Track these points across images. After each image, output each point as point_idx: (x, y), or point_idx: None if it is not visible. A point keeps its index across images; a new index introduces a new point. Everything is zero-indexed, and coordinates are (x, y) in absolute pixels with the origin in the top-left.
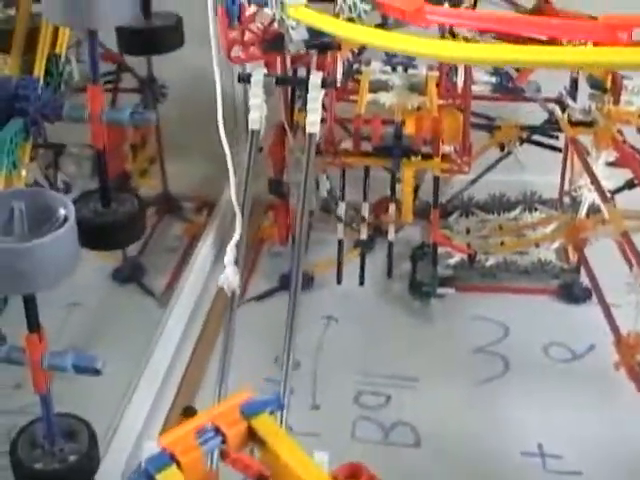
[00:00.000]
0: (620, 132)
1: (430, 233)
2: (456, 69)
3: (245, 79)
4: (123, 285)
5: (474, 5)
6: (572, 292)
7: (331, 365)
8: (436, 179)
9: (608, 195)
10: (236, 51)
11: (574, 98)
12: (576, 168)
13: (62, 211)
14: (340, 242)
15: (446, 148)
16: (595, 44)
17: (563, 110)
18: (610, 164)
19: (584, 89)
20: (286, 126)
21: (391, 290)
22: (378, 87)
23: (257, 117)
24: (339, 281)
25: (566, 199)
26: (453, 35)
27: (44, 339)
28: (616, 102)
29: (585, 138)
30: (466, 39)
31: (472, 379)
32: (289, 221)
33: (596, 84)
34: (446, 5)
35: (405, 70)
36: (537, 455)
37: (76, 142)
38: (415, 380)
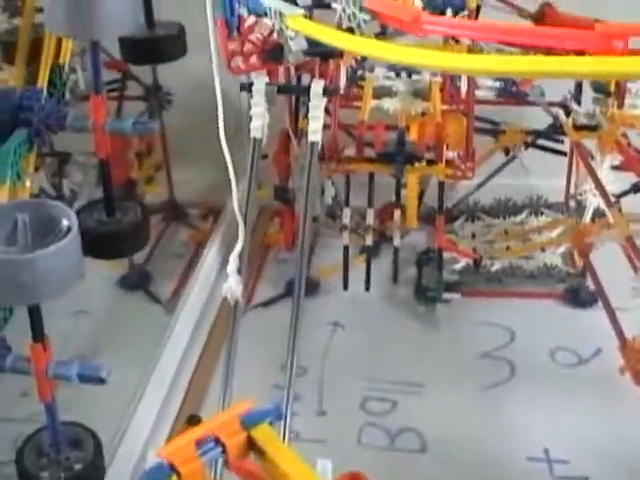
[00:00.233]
0: (625, 135)
1: (435, 238)
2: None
3: (247, 88)
4: (130, 292)
5: (477, 12)
6: (578, 296)
7: (337, 371)
8: (441, 184)
9: (613, 199)
10: (236, 62)
11: (579, 102)
12: (581, 172)
13: (65, 222)
14: (346, 248)
15: (449, 154)
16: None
17: (567, 114)
18: (615, 168)
19: (588, 93)
20: (290, 133)
21: (397, 295)
22: (382, 93)
23: (259, 125)
24: (345, 287)
25: (572, 203)
26: (457, 41)
27: (49, 348)
28: (620, 106)
29: (590, 142)
30: (470, 47)
31: (478, 384)
32: (295, 227)
33: (600, 88)
34: (449, 12)
35: (409, 76)
36: (543, 460)
37: (82, 150)
38: (421, 386)
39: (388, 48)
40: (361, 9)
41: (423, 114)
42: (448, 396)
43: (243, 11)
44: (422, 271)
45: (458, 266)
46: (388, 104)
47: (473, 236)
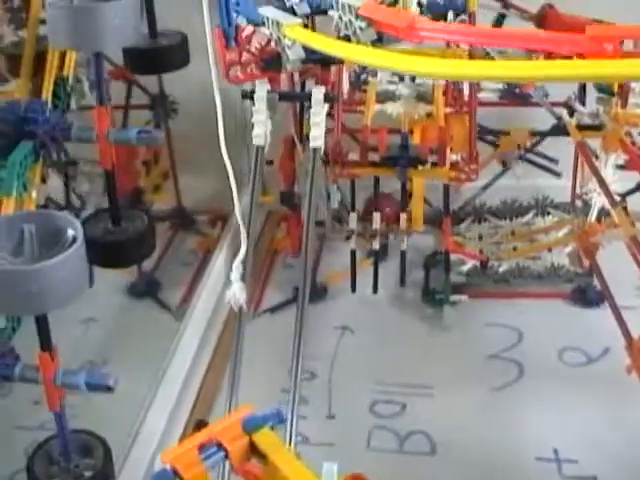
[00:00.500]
0: (629, 134)
1: (442, 241)
2: None
3: (248, 96)
4: (139, 300)
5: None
6: (586, 296)
7: (346, 375)
8: (446, 187)
9: (617, 199)
10: (235, 71)
11: (583, 102)
12: (587, 171)
13: (71, 232)
14: (353, 252)
15: (453, 156)
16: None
17: (571, 114)
18: (619, 167)
19: (592, 93)
20: (295, 139)
21: (404, 298)
22: (385, 97)
23: (261, 133)
24: (353, 289)
25: (578, 203)
26: (457, 45)
27: (56, 357)
28: (624, 105)
29: (595, 141)
30: (471, 50)
31: (487, 385)
32: (301, 232)
33: (603, 87)
34: (450, 15)
35: (412, 80)
36: (553, 460)
37: (89, 159)
38: (430, 388)
39: (383, 55)
40: (357, 16)
41: (429, 115)
42: (457, 398)
43: (241, 21)
44: (429, 273)
45: (465, 268)
46: (391, 108)
47: (480, 238)
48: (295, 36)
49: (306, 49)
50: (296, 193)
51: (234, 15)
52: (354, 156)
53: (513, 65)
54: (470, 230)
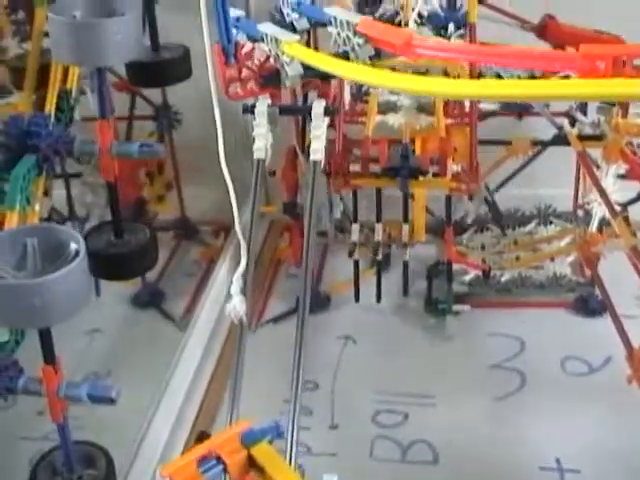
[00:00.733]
0: (630, 144)
1: (445, 250)
2: None
3: (249, 110)
4: (143, 310)
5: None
6: (588, 305)
7: (349, 385)
8: (448, 197)
9: (618, 209)
10: (234, 87)
11: (584, 112)
12: (589, 181)
13: (74, 246)
14: (356, 263)
15: (454, 167)
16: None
17: (572, 124)
18: (621, 176)
19: (592, 102)
20: (297, 149)
21: (407, 308)
22: (387, 108)
23: (262, 146)
24: (357, 299)
25: (580, 212)
26: None
27: (60, 370)
28: (624, 115)
29: (596, 151)
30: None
31: (489, 395)
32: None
33: None
34: (451, 27)
35: None
36: (555, 470)
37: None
38: (432, 397)
39: (381, 75)
40: (355, 33)
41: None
42: (459, 407)
43: (241, 37)
44: (432, 283)
45: (468, 277)
46: (392, 119)
47: (483, 247)
48: (293, 53)
49: (305, 65)
50: (299, 203)
51: (234, 31)
52: (356, 167)
53: (510, 84)
54: (472, 240)
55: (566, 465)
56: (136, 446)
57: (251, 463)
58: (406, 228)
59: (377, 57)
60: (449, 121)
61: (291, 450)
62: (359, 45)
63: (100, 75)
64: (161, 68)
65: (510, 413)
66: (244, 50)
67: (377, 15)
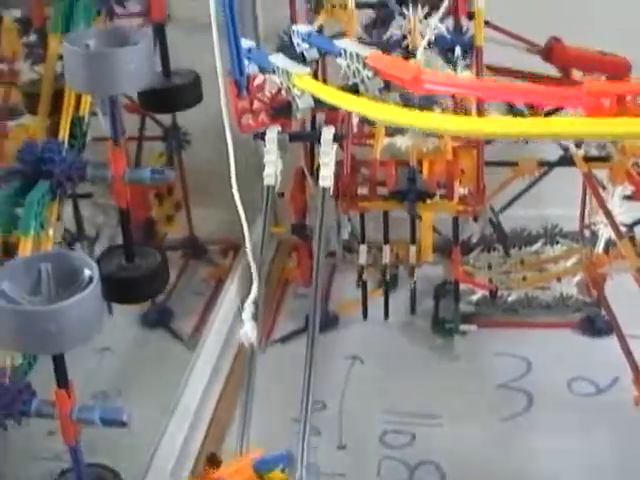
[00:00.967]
0: (636, 165)
1: (452, 270)
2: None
3: (260, 136)
4: (151, 329)
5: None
6: (594, 325)
7: (357, 405)
8: (455, 218)
9: (624, 230)
10: (246, 119)
11: None
12: (595, 201)
13: (87, 272)
14: (364, 283)
15: (461, 190)
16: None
17: (578, 145)
18: (627, 197)
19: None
20: (306, 171)
21: (415, 327)
22: (394, 130)
23: (272, 173)
24: (365, 316)
25: (587, 232)
26: None
27: (73, 393)
28: None
29: (602, 172)
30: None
31: (496, 416)
32: (312, 263)
33: None
34: (457, 50)
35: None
36: None
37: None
38: (439, 417)
39: (390, 111)
40: (364, 65)
41: (437, 150)
42: (466, 428)
43: (252, 68)
44: (439, 303)
45: (474, 297)
46: (400, 141)
47: (489, 267)
48: (304, 86)
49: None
50: (307, 225)
51: (246, 62)
52: (363, 190)
53: (518, 122)
54: (479, 259)
55: None
56: (145, 468)
57: None
58: (413, 250)
59: (387, 89)
60: (456, 143)
61: (301, 470)
62: (368, 77)
63: (113, 103)
64: (172, 94)
65: (517, 434)
66: (256, 82)
67: (384, 38)
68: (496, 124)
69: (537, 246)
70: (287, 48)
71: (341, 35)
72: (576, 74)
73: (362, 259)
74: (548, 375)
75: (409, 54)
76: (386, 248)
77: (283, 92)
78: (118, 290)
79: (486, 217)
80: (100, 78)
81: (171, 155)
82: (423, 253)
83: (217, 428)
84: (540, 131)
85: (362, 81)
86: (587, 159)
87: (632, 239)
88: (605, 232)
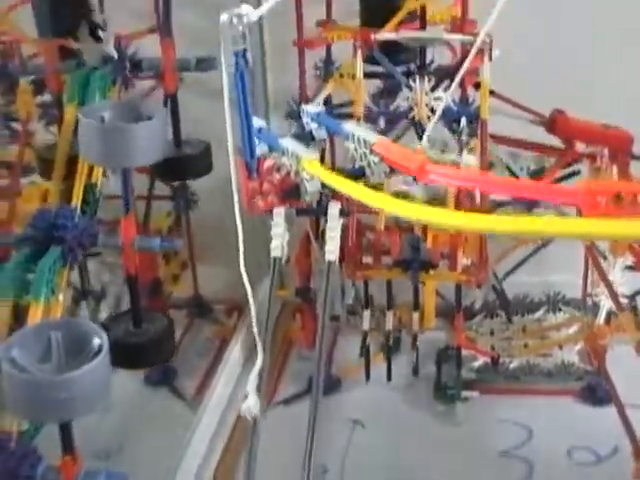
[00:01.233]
0: None
1: (454, 336)
2: None
3: (267, 210)
4: (155, 388)
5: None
6: (596, 394)
7: (358, 470)
8: (458, 285)
9: (625, 301)
10: (256, 200)
11: None
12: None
13: (97, 340)
14: (367, 348)
15: (464, 260)
16: None
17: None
18: (629, 268)
19: None
20: (311, 236)
21: (417, 392)
22: (400, 197)
23: (279, 245)
24: (367, 377)
25: (589, 300)
26: None
27: (78, 459)
28: None
29: (604, 242)
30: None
31: None
32: (315, 326)
33: None
34: (463, 121)
35: None
36: None
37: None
38: None
39: (396, 204)
40: (371, 151)
41: None
42: None
43: (263, 147)
44: (441, 368)
45: (477, 364)
46: None
47: (492, 333)
48: (313, 171)
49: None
50: (312, 288)
51: (256, 142)
52: (368, 259)
53: (520, 220)
54: (482, 325)
55: None
56: None
57: None
58: (416, 317)
59: (392, 172)
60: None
61: None
62: (374, 163)
63: (125, 175)
64: (183, 163)
65: None
66: (265, 165)
67: (391, 109)
68: (488, 221)
69: (539, 313)
70: (295, 116)
71: (349, 104)
72: (579, 145)
73: (365, 325)
74: (549, 443)
75: (416, 125)
76: (389, 314)
77: (292, 174)
78: (125, 356)
79: (489, 283)
80: (114, 152)
81: (179, 214)
82: (426, 320)
83: None
84: (532, 229)
85: (368, 165)
86: None
87: (634, 309)
88: (606, 303)
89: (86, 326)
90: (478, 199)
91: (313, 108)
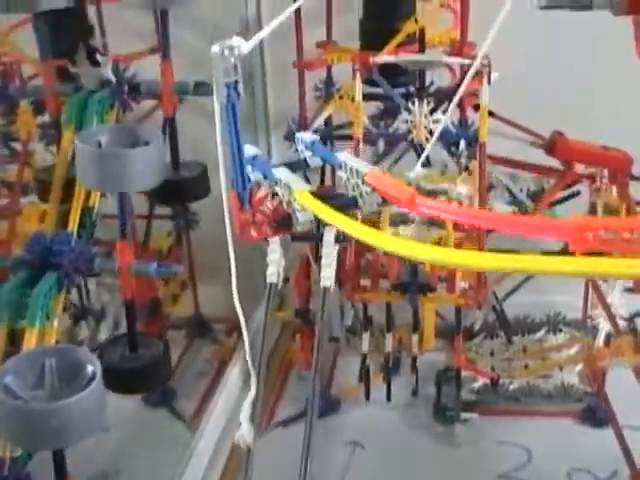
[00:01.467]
0: None
1: (454, 357)
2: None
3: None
4: (153, 409)
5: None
6: (595, 416)
7: None
8: (457, 307)
9: (623, 324)
10: (248, 230)
11: None
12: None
13: (90, 368)
14: (367, 370)
15: (462, 283)
16: None
17: None
18: (628, 290)
19: None
20: (310, 258)
21: (416, 413)
22: (399, 220)
23: (274, 271)
24: (367, 397)
25: (589, 321)
26: None
27: None
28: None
29: None
30: None
31: None
32: None
33: (611, 211)
34: (462, 144)
35: None
36: None
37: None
38: None
39: (388, 240)
40: (363, 181)
41: (439, 241)
42: None
43: (257, 175)
44: (441, 389)
45: (476, 385)
46: (404, 232)
47: (492, 354)
48: (304, 202)
49: None
50: (311, 310)
51: (250, 169)
52: (366, 282)
53: (505, 258)
54: (482, 346)
55: None
56: None
57: None
58: (415, 338)
59: (384, 202)
60: (459, 234)
61: None
62: (367, 193)
63: (122, 199)
64: (180, 187)
65: None
66: (258, 195)
67: (391, 130)
68: (474, 258)
69: (540, 334)
70: (294, 136)
71: (349, 125)
72: (579, 166)
73: (365, 347)
74: (548, 465)
75: (415, 147)
76: (389, 337)
77: (284, 205)
78: (120, 381)
79: (489, 304)
80: (110, 177)
81: (180, 234)
82: (425, 341)
83: None
84: (552, 268)
85: (360, 195)
86: (588, 253)
87: (634, 331)
88: (605, 325)
89: (80, 353)
90: None
91: (308, 136)
